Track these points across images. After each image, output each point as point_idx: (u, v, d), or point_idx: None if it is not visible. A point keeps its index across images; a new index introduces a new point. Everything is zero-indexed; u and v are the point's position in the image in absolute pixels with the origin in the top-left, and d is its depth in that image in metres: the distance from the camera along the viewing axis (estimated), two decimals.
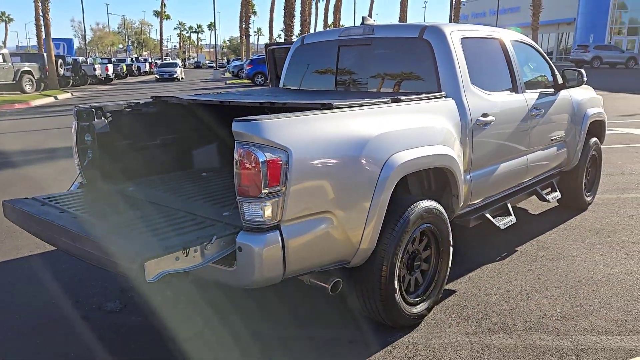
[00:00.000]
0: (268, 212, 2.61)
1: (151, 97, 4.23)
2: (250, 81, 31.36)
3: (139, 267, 2.32)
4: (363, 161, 3.01)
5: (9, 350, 3.33)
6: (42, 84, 27.43)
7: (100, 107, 3.82)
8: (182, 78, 42.64)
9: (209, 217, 3.00)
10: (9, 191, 7.33)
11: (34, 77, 26.24)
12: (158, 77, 41.28)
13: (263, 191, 2.58)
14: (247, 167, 2.60)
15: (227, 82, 36.11)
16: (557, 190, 5.49)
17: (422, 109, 3.60)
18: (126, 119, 3.99)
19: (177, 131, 4.32)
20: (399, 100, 3.45)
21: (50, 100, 23.15)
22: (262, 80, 29.93)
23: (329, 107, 3.02)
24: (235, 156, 2.64)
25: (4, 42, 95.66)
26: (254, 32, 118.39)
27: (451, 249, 3.77)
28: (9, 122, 15.73)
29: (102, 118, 3.83)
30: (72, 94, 26.42)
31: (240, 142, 2.62)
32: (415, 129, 3.44)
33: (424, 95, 3.73)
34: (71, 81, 32.15)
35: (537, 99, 4.89)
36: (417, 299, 3.58)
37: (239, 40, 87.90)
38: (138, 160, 4.04)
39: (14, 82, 25.23)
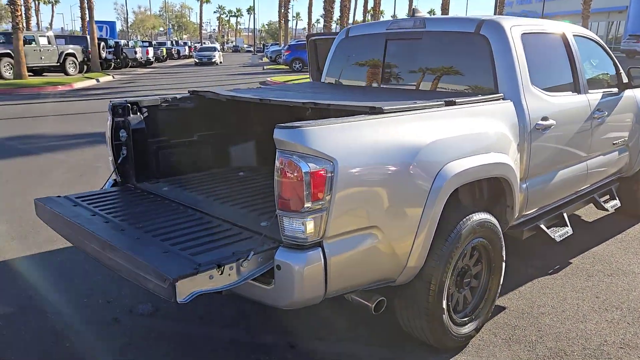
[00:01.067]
0: (310, 228, 2.39)
1: (188, 92, 4.05)
2: (287, 67, 31.14)
3: (170, 287, 2.13)
4: (414, 171, 2.75)
5: (35, 351, 3.25)
6: (85, 66, 27.93)
7: (136, 102, 3.67)
8: (220, 62, 42.79)
9: (245, 227, 2.80)
10: (48, 177, 7.36)
11: (77, 60, 26.72)
12: (197, 60, 41.51)
13: (306, 205, 2.36)
14: (288, 178, 2.37)
15: (265, 67, 35.99)
16: (617, 198, 5.09)
17: (477, 113, 3.29)
18: (162, 114, 3.83)
19: (214, 127, 4.14)
20: (453, 103, 3.16)
21: (92, 82, 23.51)
22: (299, 66, 29.66)
23: (379, 111, 2.76)
24: (277, 164, 2.42)
25: (50, 24, 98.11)
26: (293, 17, 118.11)
27: (504, 264, 3.48)
28: (52, 105, 16.00)
29: (138, 113, 3.67)
30: (113, 77, 26.78)
31: (282, 150, 2.40)
32: (471, 134, 3.15)
33: (480, 97, 3.42)
34: (113, 64, 32.64)
35: (600, 99, 4.49)
36: (465, 319, 3.31)
37: (277, 25, 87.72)
38: (173, 158, 3.88)
39: (58, 64, 25.75)
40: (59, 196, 3.35)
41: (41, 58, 24.89)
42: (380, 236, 2.67)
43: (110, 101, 3.60)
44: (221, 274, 2.29)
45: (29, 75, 23.17)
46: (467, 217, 3.10)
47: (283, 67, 32.96)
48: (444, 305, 3.06)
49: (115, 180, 3.69)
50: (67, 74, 25.84)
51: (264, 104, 3.58)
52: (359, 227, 2.58)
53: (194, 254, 2.40)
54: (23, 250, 4.84)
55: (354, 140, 2.55)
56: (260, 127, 4.34)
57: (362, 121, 2.65)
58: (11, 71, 22.69)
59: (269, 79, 23.31)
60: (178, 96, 3.93)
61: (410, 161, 2.74)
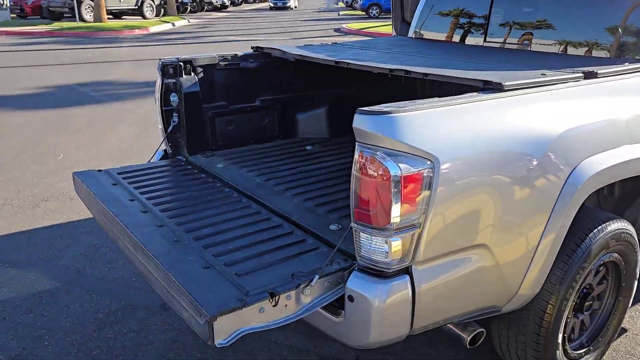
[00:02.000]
0: (396, 249, 1.76)
1: (252, 48, 3.43)
2: (364, 13, 29.66)
3: (207, 325, 1.60)
4: (538, 171, 2.02)
5: (73, 343, 2.91)
6: (162, 10, 27.90)
7: (190, 61, 3.10)
8: (295, 7, 41.63)
9: (310, 230, 2.21)
10: (115, 128, 7.13)
11: (154, 3, 26.69)
12: (272, 5, 40.56)
13: (392, 220, 1.72)
14: (371, 182, 1.74)
15: (340, 12, 34.61)
16: None
17: (626, 89, 2.46)
18: (220, 75, 3.25)
19: (280, 91, 3.52)
20: (594, 75, 2.34)
21: (168, 27, 23.41)
22: (376, 12, 28.13)
23: (497, 87, 2.02)
24: (356, 159, 1.79)
25: None
26: None
27: (635, 282, 2.71)
28: (128, 49, 15.97)
29: (192, 74, 3.12)
30: (188, 21, 26.59)
31: (363, 144, 1.75)
32: (616, 119, 2.34)
33: (628, 66, 2.57)
34: (189, 8, 32.46)
35: None
36: (580, 350, 2.62)
37: None
38: (231, 127, 3.33)
39: (136, 7, 25.84)
40: (99, 170, 2.90)
41: (120, 1, 25.03)
42: (487, 257, 2.00)
43: (160, 59, 3.06)
44: (275, 305, 1.74)
45: (108, 19, 23.43)
46: (599, 228, 2.35)
47: (359, 13, 31.47)
48: (560, 339, 2.38)
49: (165, 151, 3.20)
50: (144, 17, 25.92)
51: (339, 67, 2.91)
52: (461, 247, 1.92)
53: (242, 272, 1.85)
54: (81, 211, 4.56)
55: (461, 130, 1.85)
56: (334, 93, 3.68)
57: (473, 102, 1.93)
58: (92, 14, 23.01)
59: (344, 25, 22.23)
60: (239, 53, 3.33)
61: (535, 157, 2.01)
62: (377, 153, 1.72)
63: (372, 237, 1.77)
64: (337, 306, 1.89)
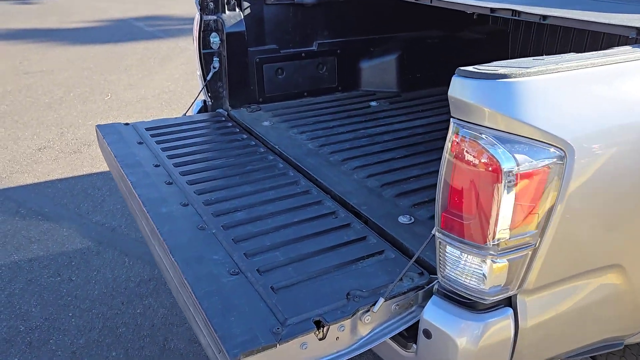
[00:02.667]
0: (500, 274, 1.23)
1: None
2: None
3: None
4: None
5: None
6: None
7: None
8: None
9: (373, 222, 1.70)
10: (164, 66, 6.74)
11: None
12: None
13: (499, 235, 1.18)
14: (469, 176, 1.19)
15: None
16: None
17: None
18: (271, 11, 2.70)
19: (342, 33, 2.93)
20: None
21: None
22: None
23: None
24: (450, 136, 1.24)
25: None
26: None
27: None
28: None
29: (237, 9, 2.57)
30: None
31: (462, 121, 1.19)
32: None
33: None
34: None
35: None
36: None
37: None
38: (282, 75, 2.80)
39: None
40: (126, 123, 2.47)
41: None
42: (620, 280, 1.43)
43: None
44: (322, 338, 1.26)
45: None
46: None
47: None
48: None
49: (204, 102, 2.72)
50: None
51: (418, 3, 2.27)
52: (587, 270, 1.36)
53: (280, 285, 1.38)
54: None
55: (609, 105, 1.25)
56: (408, 37, 3.05)
57: (624, 62, 1.30)
58: None
59: None
60: None
61: None
62: (483, 136, 1.15)
63: (465, 254, 1.24)
64: (406, 336, 1.39)
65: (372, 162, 2.12)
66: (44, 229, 3.33)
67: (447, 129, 2.52)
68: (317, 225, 1.66)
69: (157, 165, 2.05)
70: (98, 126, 2.43)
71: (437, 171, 2.04)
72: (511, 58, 3.51)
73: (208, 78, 2.62)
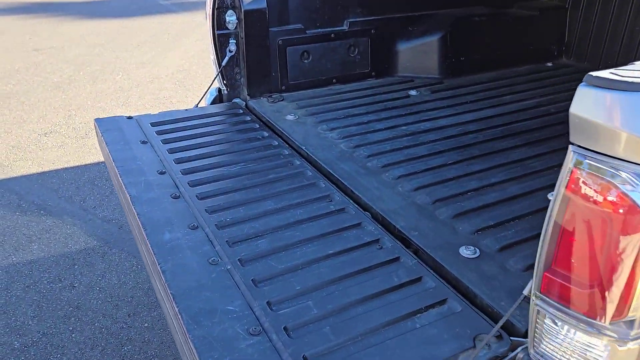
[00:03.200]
0: None
1: None
2: None
3: None
4: None
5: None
6: None
7: None
8: None
9: (427, 252, 1.35)
10: (178, 44, 6.37)
11: None
12: None
13: (632, 313, 0.83)
14: (595, 225, 0.83)
15: None
16: None
17: None
18: None
19: (376, 10, 2.55)
20: None
21: None
22: None
23: None
24: (568, 167, 0.87)
25: None
26: None
27: None
28: None
29: None
30: None
31: (587, 151, 0.82)
32: None
33: None
34: None
35: None
36: None
37: None
38: (309, 59, 2.44)
39: None
40: (129, 117, 2.14)
41: None
42: None
43: None
44: None
45: None
46: None
47: None
48: None
49: (218, 90, 2.37)
50: None
51: None
52: None
53: (314, 354, 1.04)
54: None
55: None
56: (453, 14, 2.65)
57: None
58: None
59: None
60: None
61: None
62: (620, 173, 0.79)
63: (575, 331, 0.89)
64: None
65: (419, 169, 1.76)
66: (46, 226, 3.05)
67: (505, 125, 2.19)
68: (358, 259, 1.32)
69: (162, 173, 1.72)
70: (97, 120, 2.10)
71: (501, 183, 1.71)
72: (568, 38, 3.06)
73: (223, 63, 2.26)
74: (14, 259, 2.80)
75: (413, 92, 2.45)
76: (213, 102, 2.35)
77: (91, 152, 3.90)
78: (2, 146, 3.97)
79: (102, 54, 6.11)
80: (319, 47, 2.43)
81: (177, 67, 5.67)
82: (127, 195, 1.58)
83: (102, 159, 3.82)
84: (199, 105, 2.30)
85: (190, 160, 1.81)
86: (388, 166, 1.78)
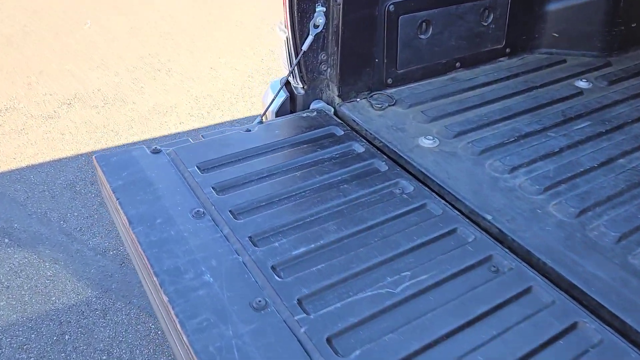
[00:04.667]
0: None
1: None
2: None
3: None
4: None
5: None
6: None
7: None
8: None
9: None
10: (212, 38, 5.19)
11: None
12: None
13: None
14: None
15: None
16: None
17: None
18: None
19: None
20: None
21: None
22: None
23: None
24: None
25: None
26: None
27: None
28: None
29: None
30: None
31: None
32: None
33: None
34: None
35: None
36: None
37: None
38: (427, 35, 1.54)
39: None
40: (155, 150, 1.23)
41: None
42: None
43: None
44: None
45: None
46: None
47: None
48: None
49: (287, 90, 1.46)
50: None
51: None
52: None
53: None
54: (121, 122, 2.98)
55: None
56: None
57: None
58: None
59: None
60: None
61: None
62: None
63: None
64: None
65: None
66: (13, 266, 2.15)
67: None
68: None
69: (261, 306, 0.86)
70: (97, 157, 1.19)
71: None
72: None
73: (304, 46, 1.35)
74: None
75: (583, 83, 1.60)
76: (282, 109, 1.45)
77: (64, 137, 2.93)
78: None
79: None
80: (443, 13, 1.53)
81: (160, 13, 4.56)
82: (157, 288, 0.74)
83: (80, 146, 2.87)
84: (265, 118, 1.40)
85: (281, 253, 0.95)
86: (627, 236, 0.99)
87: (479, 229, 1.04)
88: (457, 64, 1.63)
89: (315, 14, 1.33)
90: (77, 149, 2.85)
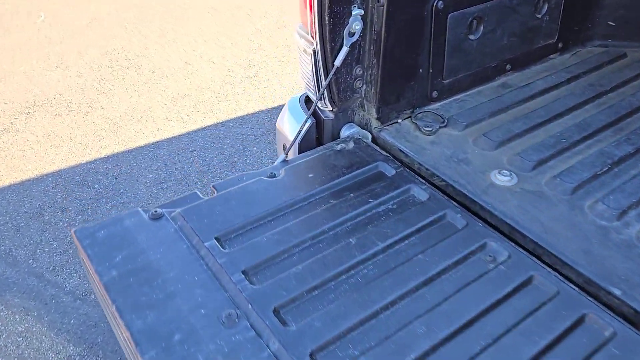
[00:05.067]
0: None
1: None
2: None
3: None
4: None
5: None
6: None
7: None
8: None
9: None
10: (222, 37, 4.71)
11: None
12: None
13: None
14: None
15: None
16: None
17: None
18: None
19: None
20: None
21: None
22: None
23: None
24: None
25: None
26: None
27: None
28: None
29: None
30: None
31: None
32: None
33: None
34: None
35: None
36: None
37: None
38: (477, 35, 1.24)
39: None
40: (157, 214, 0.92)
41: None
42: None
43: None
44: None
45: None
46: None
47: None
48: None
49: (313, 115, 1.16)
50: None
51: None
52: None
53: None
54: (100, 128, 2.62)
55: None
56: None
57: None
58: None
59: None
60: None
61: None
62: None
63: None
64: None
65: None
66: None
67: None
68: None
69: None
70: (77, 232, 0.88)
71: None
72: None
73: (339, 60, 1.04)
74: None
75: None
76: (307, 137, 1.14)
77: (25, 156, 2.55)
78: None
79: None
80: (496, 7, 1.24)
81: (123, 1, 4.12)
82: None
83: (47, 168, 2.50)
84: (289, 154, 1.10)
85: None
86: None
87: (608, 311, 0.77)
88: (508, 67, 1.35)
89: (350, 19, 1.02)
90: (42, 167, 2.48)
